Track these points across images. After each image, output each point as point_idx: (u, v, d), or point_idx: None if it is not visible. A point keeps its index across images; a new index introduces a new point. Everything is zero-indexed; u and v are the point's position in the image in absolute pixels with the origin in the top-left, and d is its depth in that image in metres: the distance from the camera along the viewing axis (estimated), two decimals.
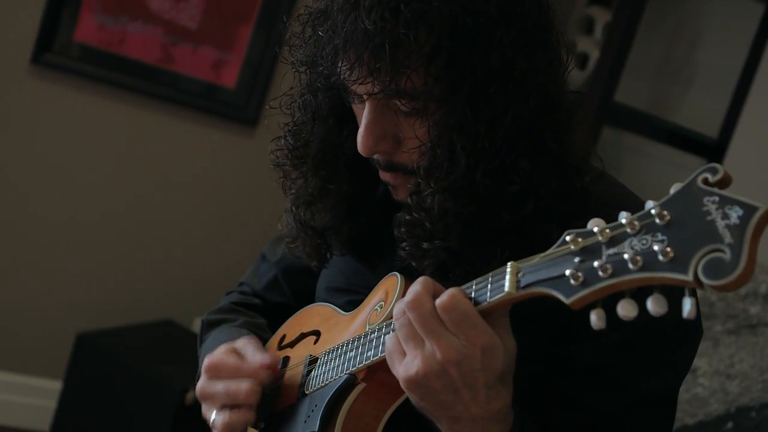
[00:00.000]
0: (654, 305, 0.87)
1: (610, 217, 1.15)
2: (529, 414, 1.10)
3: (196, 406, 2.82)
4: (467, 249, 1.13)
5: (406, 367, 0.99)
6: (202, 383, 1.26)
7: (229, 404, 1.23)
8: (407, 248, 1.16)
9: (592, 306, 0.92)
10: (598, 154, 1.24)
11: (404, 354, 1.00)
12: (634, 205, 1.22)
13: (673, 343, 1.18)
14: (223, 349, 1.30)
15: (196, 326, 3.42)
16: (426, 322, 0.98)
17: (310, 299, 1.55)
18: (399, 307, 1.01)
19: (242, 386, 1.22)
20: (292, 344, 1.39)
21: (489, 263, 1.10)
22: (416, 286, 1.00)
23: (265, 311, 1.58)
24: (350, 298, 1.36)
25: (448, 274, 1.15)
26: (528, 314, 1.04)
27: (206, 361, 1.27)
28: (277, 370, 1.28)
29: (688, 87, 3.04)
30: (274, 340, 1.46)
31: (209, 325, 1.53)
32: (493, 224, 1.12)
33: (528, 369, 1.09)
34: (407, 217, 1.15)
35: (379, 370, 1.15)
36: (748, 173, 2.55)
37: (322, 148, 1.27)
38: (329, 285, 1.42)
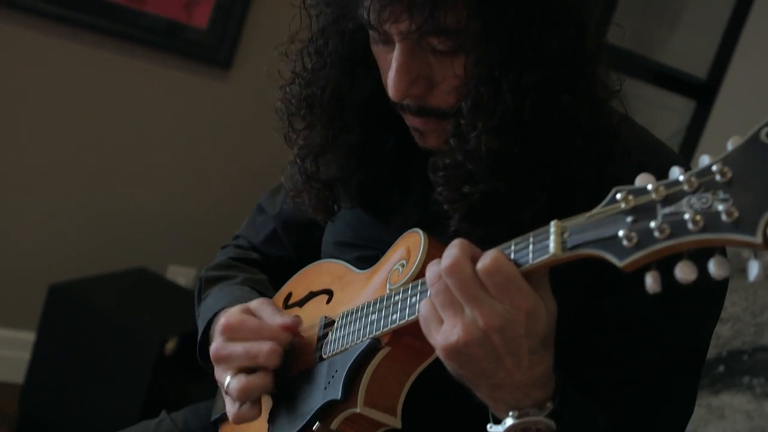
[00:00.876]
0: (717, 268, 0.82)
1: (645, 165, 1.11)
2: (562, 372, 1.05)
3: (177, 355, 2.78)
4: (506, 191, 1.08)
5: (445, 335, 0.93)
6: (218, 344, 1.19)
7: (247, 367, 1.17)
8: (444, 193, 1.10)
9: (646, 268, 0.87)
10: (620, 97, 1.19)
11: (442, 321, 0.94)
12: (666, 153, 1.18)
13: (707, 296, 1.14)
14: (239, 310, 1.23)
15: (171, 273, 3.34)
16: (466, 288, 0.92)
17: (312, 253, 1.48)
18: (434, 272, 0.95)
19: (264, 347, 1.16)
20: (300, 303, 1.33)
21: (522, 208, 1.07)
22: (453, 250, 0.94)
23: (264, 266, 1.52)
24: (361, 254, 1.29)
25: (477, 220, 1.10)
26: (557, 268, 0.99)
27: (223, 321, 1.20)
28: (298, 333, 1.21)
29: (675, 25, 2.98)
30: (279, 297, 1.39)
31: (208, 283, 1.46)
32: (534, 163, 1.07)
33: (560, 325, 1.04)
34: (447, 161, 1.09)
35: (405, 333, 1.09)
36: (741, 116, 2.51)
37: (334, 97, 1.20)
38: (337, 239, 1.35)
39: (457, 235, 1.12)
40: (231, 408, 1.18)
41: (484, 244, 0.97)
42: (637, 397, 1.11)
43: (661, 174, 1.11)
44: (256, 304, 1.24)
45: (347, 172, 1.25)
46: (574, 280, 1.08)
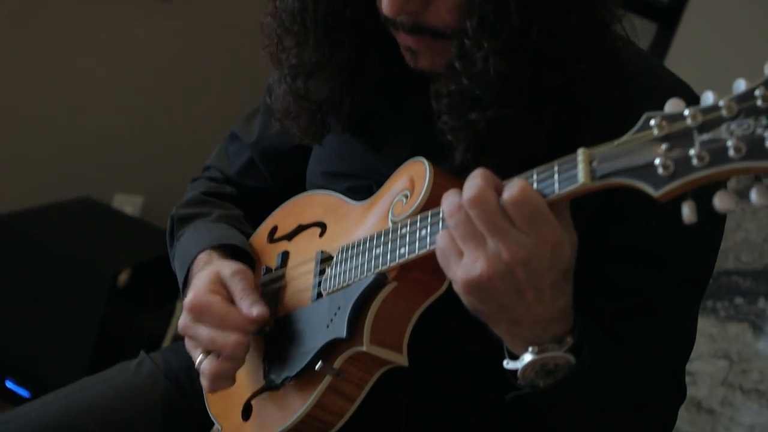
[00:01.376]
0: (760, 197, 0.78)
1: (651, 90, 1.07)
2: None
3: (130, 288, 2.69)
4: (513, 118, 1.03)
5: (465, 269, 0.88)
6: (185, 322, 1.14)
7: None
8: (449, 122, 1.05)
9: (681, 198, 0.83)
10: (622, 22, 1.14)
11: (461, 254, 0.89)
12: (671, 79, 1.14)
13: (712, 225, 1.13)
14: (207, 283, 1.15)
15: (117, 202, 3.22)
16: (491, 219, 0.87)
17: (294, 185, 1.41)
18: (452, 202, 0.90)
19: (229, 340, 1.09)
20: (289, 237, 1.26)
21: (529, 135, 1.04)
22: (477, 180, 0.88)
23: (240, 199, 1.44)
24: (351, 184, 1.23)
25: (482, 150, 1.05)
26: None
27: (190, 299, 1.13)
28: (267, 321, 1.14)
29: None
30: (262, 231, 1.32)
31: (180, 221, 1.38)
32: (541, 88, 1.03)
33: None
34: (452, 87, 1.03)
35: (413, 268, 1.04)
36: (705, 41, 2.48)
37: (329, 10, 1.13)
38: (325, 170, 1.28)
39: (461, 167, 1.07)
40: (204, 380, 1.13)
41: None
42: (646, 327, 1.09)
43: (666, 99, 1.07)
44: (228, 274, 1.16)
45: (339, 93, 1.18)
46: (580, 211, 1.04)
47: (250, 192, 1.44)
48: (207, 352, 1.11)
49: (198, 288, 1.15)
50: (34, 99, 2.94)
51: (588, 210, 1.05)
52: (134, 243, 2.89)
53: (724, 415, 2.16)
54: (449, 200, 0.91)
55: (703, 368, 2.24)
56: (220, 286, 1.15)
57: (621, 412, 1.04)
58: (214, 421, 1.24)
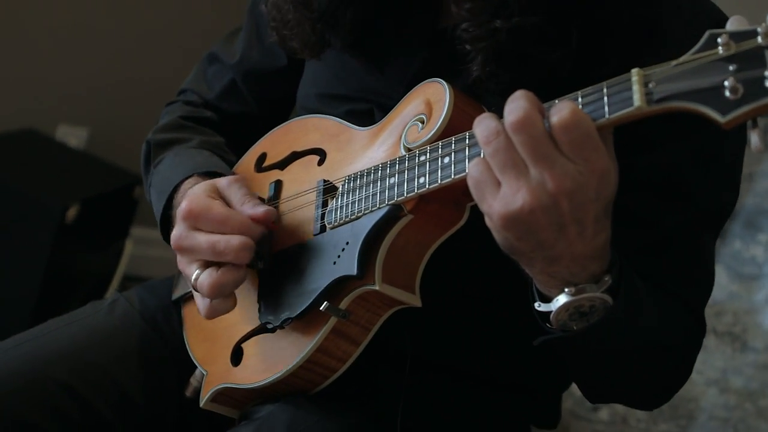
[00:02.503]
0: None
1: (680, 8, 0.99)
2: None
3: (78, 224, 2.55)
4: (538, 28, 0.95)
5: (504, 201, 0.79)
6: (180, 232, 1.02)
7: (215, 261, 1.00)
8: (470, 29, 0.97)
9: (751, 125, 0.75)
10: None
11: (499, 185, 0.80)
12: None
13: (736, 160, 1.07)
14: (204, 191, 1.05)
15: (61, 134, 3.04)
16: (538, 146, 0.78)
17: (281, 109, 1.30)
18: (490, 127, 0.80)
19: (232, 242, 0.99)
20: (281, 165, 1.15)
21: (553, 49, 0.96)
22: (521, 102, 0.79)
23: (220, 125, 1.32)
24: (351, 107, 1.13)
25: (504, 63, 0.97)
26: None
27: (185, 206, 1.02)
28: (273, 224, 1.05)
29: None
30: (248, 159, 1.21)
31: (158, 147, 1.26)
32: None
33: None
34: None
35: (432, 200, 0.95)
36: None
37: None
38: (321, 91, 1.17)
39: (476, 82, 0.98)
40: (201, 303, 1.03)
41: (509, 94, 0.83)
42: (670, 263, 1.02)
43: (696, 20, 0.99)
44: (225, 183, 1.06)
45: (339, 3, 1.08)
46: None
47: (232, 117, 1.33)
48: (204, 267, 1.00)
49: (193, 194, 1.04)
50: None
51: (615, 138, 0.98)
52: (81, 177, 2.74)
53: (697, 358, 2.14)
54: (485, 124, 0.81)
55: None
56: (218, 195, 1.05)
57: (648, 355, 0.98)
58: (198, 366, 1.14)
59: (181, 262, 1.04)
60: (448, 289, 1.05)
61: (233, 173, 1.17)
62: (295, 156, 1.13)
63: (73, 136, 3.08)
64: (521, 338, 1.00)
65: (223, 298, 1.01)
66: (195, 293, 1.04)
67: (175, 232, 1.03)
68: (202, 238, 1.00)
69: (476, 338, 1.12)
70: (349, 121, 1.09)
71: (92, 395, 1.12)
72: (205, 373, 1.12)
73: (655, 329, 0.97)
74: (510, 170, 0.79)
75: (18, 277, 2.48)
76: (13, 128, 2.78)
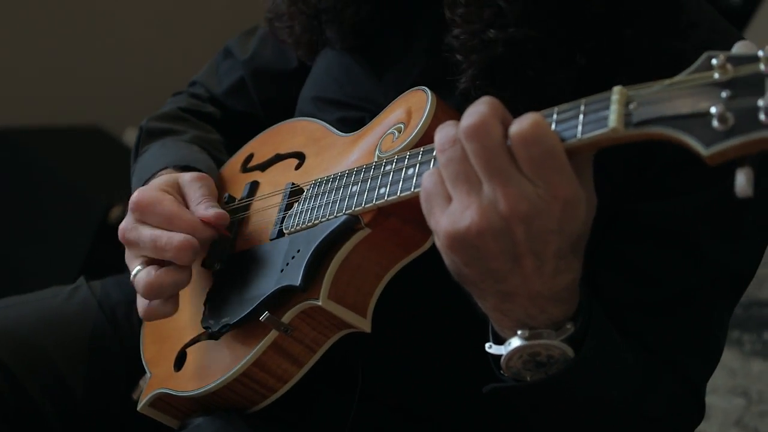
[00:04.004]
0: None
1: (710, 45, 0.89)
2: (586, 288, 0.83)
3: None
4: (537, 44, 0.87)
5: (451, 218, 0.69)
6: (126, 224, 0.96)
7: (155, 258, 0.93)
8: (461, 37, 0.89)
9: (738, 163, 0.64)
10: None
11: (450, 199, 0.71)
12: (736, 38, 0.95)
13: (761, 218, 0.93)
14: (161, 183, 0.99)
15: (128, 137, 3.06)
16: (492, 158, 0.68)
17: (285, 113, 1.23)
18: (447, 134, 0.71)
19: (174, 239, 0.91)
20: (262, 167, 1.08)
21: (553, 70, 0.87)
22: (481, 107, 0.69)
23: (223, 123, 1.27)
24: (344, 115, 1.05)
25: (495, 78, 0.88)
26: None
27: (135, 197, 0.96)
28: (225, 231, 0.97)
29: None
30: (237, 159, 1.15)
31: (149, 135, 1.20)
32: (577, 14, 0.86)
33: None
34: None
35: (392, 214, 0.86)
36: None
37: None
38: (317, 95, 1.10)
39: (466, 95, 0.89)
40: (140, 302, 0.96)
41: None
42: (669, 327, 0.90)
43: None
44: (188, 179, 1.00)
45: (342, 1, 1.01)
46: (605, 175, 0.85)
47: (235, 116, 1.27)
48: (147, 264, 0.94)
49: (147, 186, 0.98)
50: (55, 17, 2.79)
51: (615, 175, 0.87)
52: None
53: None
54: (444, 131, 0.72)
55: (717, 403, 2.04)
56: (175, 190, 0.98)
57: (625, 423, 0.86)
58: (145, 367, 1.06)
59: (127, 255, 0.98)
60: (408, 320, 0.96)
61: (212, 173, 1.10)
62: (277, 158, 1.06)
63: None
64: (480, 384, 0.89)
65: (162, 301, 0.94)
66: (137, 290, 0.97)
67: (122, 224, 0.97)
68: (146, 232, 0.93)
69: (436, 379, 1.01)
70: (340, 128, 1.02)
71: (28, 379, 1.05)
72: (150, 375, 1.04)
73: (634, 395, 0.85)
74: (462, 183, 0.70)
75: (55, 270, 2.47)
76: (81, 123, 2.82)
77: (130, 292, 1.17)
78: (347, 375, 0.97)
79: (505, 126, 0.70)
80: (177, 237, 0.91)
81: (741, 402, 2.00)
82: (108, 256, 2.52)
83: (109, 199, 2.47)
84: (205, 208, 0.95)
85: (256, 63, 1.24)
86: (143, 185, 1.08)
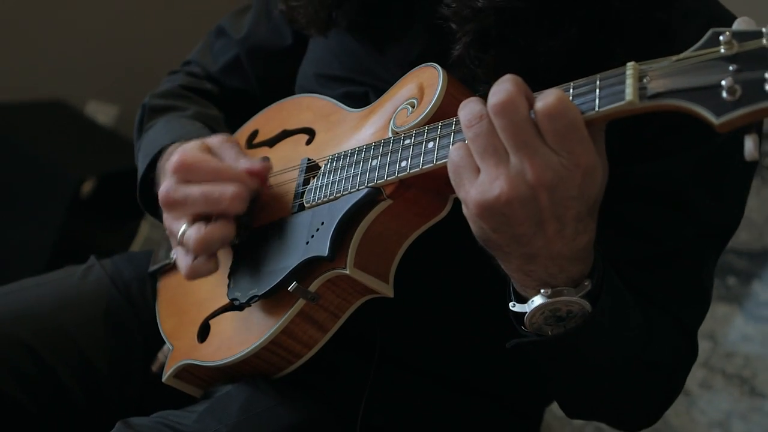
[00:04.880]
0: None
1: (695, 14, 0.95)
2: None
3: (93, 199, 2.54)
4: (529, 12, 0.91)
5: (481, 188, 0.75)
6: (169, 186, 0.98)
7: (204, 214, 0.97)
8: (452, 5, 0.93)
9: (745, 130, 0.70)
10: None
11: (478, 171, 0.76)
12: (718, 7, 1.01)
13: (743, 176, 1.01)
14: (195, 146, 1.02)
15: (91, 110, 3.05)
16: (519, 132, 0.73)
17: (281, 89, 1.27)
18: (473, 110, 0.77)
19: (227, 190, 0.95)
20: (270, 142, 1.12)
21: (545, 37, 0.92)
22: (506, 84, 0.75)
23: (220, 99, 1.30)
24: (348, 90, 1.09)
25: (488, 46, 0.93)
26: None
27: (177, 159, 0.98)
28: (266, 180, 1.01)
29: None
30: (241, 134, 1.18)
31: (152, 112, 1.23)
32: None
33: None
34: None
35: (413, 186, 0.91)
36: None
37: None
38: (319, 71, 1.14)
39: (461, 62, 0.94)
40: (184, 261, 0.98)
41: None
42: (665, 279, 0.97)
43: (710, 26, 0.94)
44: (217, 141, 1.03)
45: None
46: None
47: (232, 93, 1.30)
48: (193, 222, 0.96)
49: (184, 148, 1.01)
50: None
51: (612, 141, 0.93)
52: (103, 153, 2.73)
53: (702, 397, 2.07)
54: (469, 107, 0.77)
55: None
56: (209, 151, 1.01)
57: (630, 370, 0.93)
58: (165, 340, 1.10)
59: (168, 218, 1.00)
60: (425, 284, 1.01)
61: None
62: (285, 134, 1.10)
63: (102, 112, 3.08)
64: (498, 343, 0.95)
65: (206, 259, 0.97)
66: (178, 252, 1.00)
67: (165, 187, 0.99)
68: (195, 189, 0.96)
69: (450, 339, 1.07)
70: (344, 103, 1.06)
71: (54, 359, 1.08)
72: (171, 347, 1.08)
73: (639, 344, 0.91)
74: (490, 156, 0.75)
75: (28, 246, 2.47)
76: (43, 98, 2.79)
77: (142, 268, 1.21)
78: (366, 338, 1.02)
79: (529, 100, 0.75)
80: (229, 187, 0.95)
81: (707, 344, 2.11)
82: (82, 231, 2.54)
83: (81, 173, 2.47)
84: (248, 161, 0.98)
85: (251, 41, 1.27)
86: (151, 161, 1.12)
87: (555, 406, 1.08)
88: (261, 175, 0.99)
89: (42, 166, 2.47)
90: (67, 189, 2.44)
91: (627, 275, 0.94)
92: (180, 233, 0.97)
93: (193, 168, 0.97)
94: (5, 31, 2.78)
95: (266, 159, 1.02)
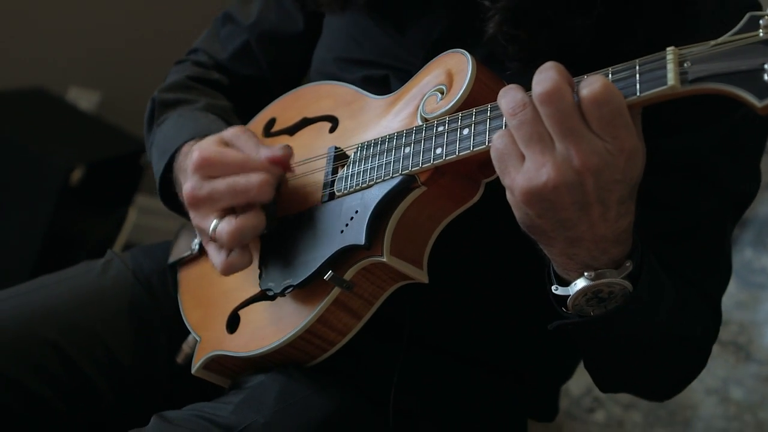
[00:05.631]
0: None
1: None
2: None
3: (82, 187, 2.51)
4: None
5: (528, 175, 0.76)
6: (193, 184, 0.98)
7: (235, 205, 0.97)
8: None
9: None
10: None
11: (523, 159, 0.77)
12: None
13: (758, 146, 1.03)
14: (212, 141, 1.01)
15: (72, 95, 3.01)
16: (566, 119, 0.75)
17: (294, 75, 1.27)
18: (516, 98, 0.78)
19: (253, 179, 0.95)
20: (290, 131, 1.12)
21: (575, 15, 0.92)
22: (551, 73, 0.76)
23: (230, 88, 1.29)
24: (368, 73, 1.09)
25: (520, 23, 0.94)
26: None
27: (198, 156, 0.98)
28: (290, 167, 1.01)
29: None
30: (257, 123, 1.17)
31: (163, 106, 1.22)
32: None
33: None
34: None
35: (448, 172, 0.91)
36: None
37: None
38: (338, 55, 1.14)
39: (493, 40, 0.95)
40: (218, 257, 0.99)
41: (528, 59, 0.80)
42: (692, 251, 0.99)
43: (731, 6, 0.95)
44: (231, 133, 1.03)
45: None
46: None
47: (242, 81, 1.29)
48: (222, 216, 0.96)
49: (202, 145, 1.00)
50: None
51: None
52: (89, 141, 2.70)
53: None
54: (511, 95, 0.78)
55: None
56: (226, 144, 1.01)
57: (664, 344, 0.95)
58: (191, 332, 1.10)
59: (196, 217, 1.00)
60: (455, 268, 1.02)
61: None
62: (306, 122, 1.10)
63: (84, 99, 3.05)
64: (524, 324, 0.97)
65: (240, 252, 0.97)
66: (210, 248, 1.00)
67: (189, 186, 0.98)
68: (220, 183, 0.96)
69: (479, 321, 1.08)
70: (364, 88, 1.06)
71: (79, 355, 1.08)
72: (198, 339, 1.08)
73: (673, 319, 0.93)
74: (535, 144, 0.76)
75: (18, 237, 2.44)
76: (23, 86, 2.75)
77: (161, 260, 1.21)
78: (395, 322, 1.03)
79: (571, 87, 0.76)
80: (255, 176, 0.95)
81: None
82: (72, 220, 2.52)
83: (69, 162, 2.44)
84: (269, 150, 0.98)
85: (261, 27, 1.26)
86: (168, 160, 1.11)
87: (566, 403, 1.11)
88: (283, 163, 0.98)
89: (29, 156, 2.43)
90: (56, 178, 2.41)
91: (655, 248, 0.96)
92: (211, 229, 0.97)
93: (214, 163, 0.97)
94: None
95: (287, 146, 1.01)
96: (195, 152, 0.99)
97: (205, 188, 0.97)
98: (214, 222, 0.96)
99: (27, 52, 2.86)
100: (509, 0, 0.93)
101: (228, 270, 0.98)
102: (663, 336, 0.93)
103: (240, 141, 1.01)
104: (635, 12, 0.95)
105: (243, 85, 1.29)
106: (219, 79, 1.29)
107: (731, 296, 2.13)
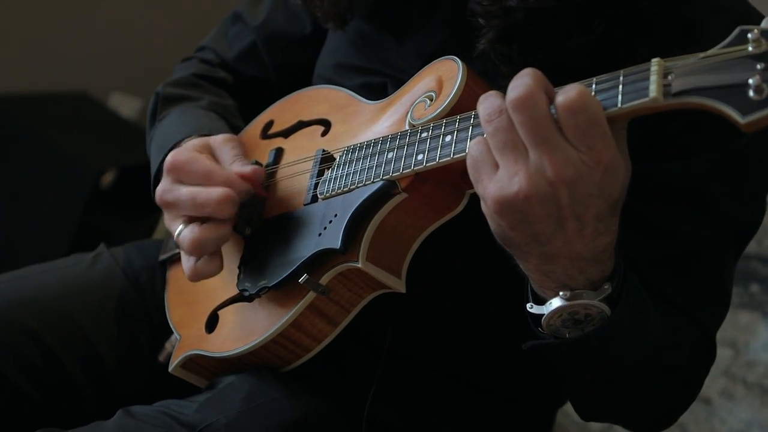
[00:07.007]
0: None
1: (722, 10, 0.93)
2: None
3: (113, 190, 2.54)
4: (557, 13, 0.90)
5: (500, 184, 0.73)
6: (164, 186, 0.98)
7: (196, 216, 0.96)
8: (484, 3, 0.92)
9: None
10: None
11: (497, 167, 0.74)
12: (744, 3, 0.99)
13: (764, 177, 0.99)
14: (193, 145, 1.01)
15: (114, 102, 3.05)
16: (539, 127, 0.71)
17: (298, 78, 1.26)
18: (492, 105, 0.75)
19: (213, 194, 0.94)
20: (285, 133, 1.11)
21: (572, 35, 0.91)
22: (525, 79, 0.73)
23: (235, 88, 1.28)
24: (365, 80, 1.08)
25: (513, 42, 0.92)
26: None
27: (170, 159, 0.98)
28: (260, 186, 1.00)
29: None
30: (256, 125, 1.17)
31: (166, 101, 1.22)
32: None
33: None
34: None
35: (428, 179, 0.89)
36: None
37: None
38: (338, 61, 1.13)
39: (484, 56, 0.93)
40: (186, 263, 0.98)
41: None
42: (685, 280, 0.95)
43: (737, 23, 0.92)
44: (219, 141, 1.02)
45: None
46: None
47: (247, 81, 1.29)
48: (188, 223, 0.96)
49: (180, 148, 1.00)
50: None
51: (633, 139, 0.91)
52: (125, 146, 2.73)
53: (723, 406, 2.03)
54: (489, 102, 0.76)
55: None
56: (207, 151, 1.01)
57: (648, 373, 0.91)
58: (173, 329, 1.09)
59: (167, 217, 1.00)
60: (437, 281, 0.99)
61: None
62: (300, 125, 1.09)
63: (125, 105, 3.09)
64: (509, 343, 0.94)
65: (207, 260, 0.96)
66: (182, 253, 1.00)
67: (159, 187, 0.99)
68: (184, 191, 0.96)
69: (461, 336, 1.05)
70: (362, 95, 1.04)
71: (59, 347, 1.07)
72: (179, 337, 1.07)
73: (657, 347, 0.89)
74: (509, 152, 0.73)
75: (47, 234, 2.47)
76: (66, 89, 2.79)
77: (152, 257, 1.20)
78: (375, 333, 1.01)
79: (548, 95, 0.73)
80: (215, 191, 0.94)
81: (728, 353, 2.07)
82: (101, 223, 2.54)
83: (101, 165, 2.47)
84: (241, 165, 0.97)
85: (269, 28, 1.25)
86: (163, 157, 1.11)
87: (568, 407, 1.06)
88: (252, 179, 0.97)
89: (63, 157, 2.47)
90: (87, 180, 2.44)
91: (646, 276, 0.92)
92: (175, 234, 0.96)
93: (184, 169, 0.97)
94: (30, 24, 2.79)
95: (258, 167, 1.00)
96: (170, 154, 1.00)
97: (171, 192, 0.97)
98: (180, 227, 0.96)
99: (72, 56, 2.91)
100: (503, 20, 0.91)
101: (194, 277, 0.97)
102: (646, 364, 0.89)
103: (220, 150, 1.01)
104: (640, 31, 0.92)
105: (248, 85, 1.29)
106: (225, 77, 1.29)
107: (759, 337, 2.05)
